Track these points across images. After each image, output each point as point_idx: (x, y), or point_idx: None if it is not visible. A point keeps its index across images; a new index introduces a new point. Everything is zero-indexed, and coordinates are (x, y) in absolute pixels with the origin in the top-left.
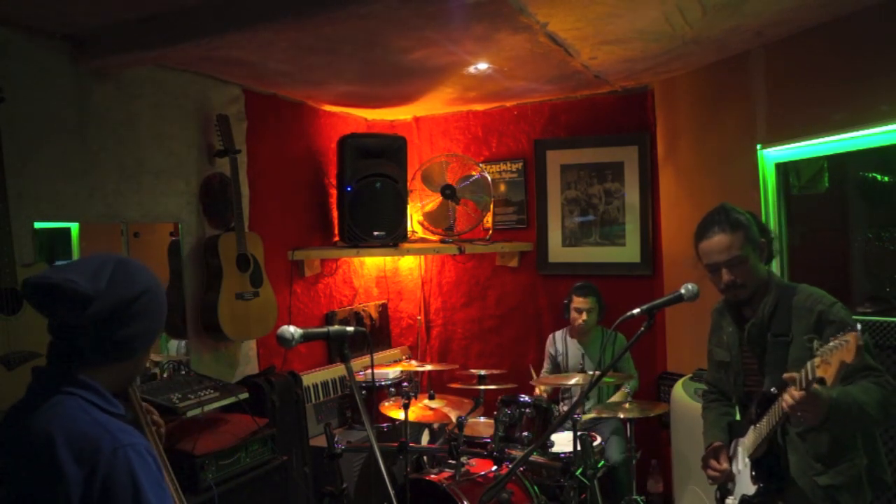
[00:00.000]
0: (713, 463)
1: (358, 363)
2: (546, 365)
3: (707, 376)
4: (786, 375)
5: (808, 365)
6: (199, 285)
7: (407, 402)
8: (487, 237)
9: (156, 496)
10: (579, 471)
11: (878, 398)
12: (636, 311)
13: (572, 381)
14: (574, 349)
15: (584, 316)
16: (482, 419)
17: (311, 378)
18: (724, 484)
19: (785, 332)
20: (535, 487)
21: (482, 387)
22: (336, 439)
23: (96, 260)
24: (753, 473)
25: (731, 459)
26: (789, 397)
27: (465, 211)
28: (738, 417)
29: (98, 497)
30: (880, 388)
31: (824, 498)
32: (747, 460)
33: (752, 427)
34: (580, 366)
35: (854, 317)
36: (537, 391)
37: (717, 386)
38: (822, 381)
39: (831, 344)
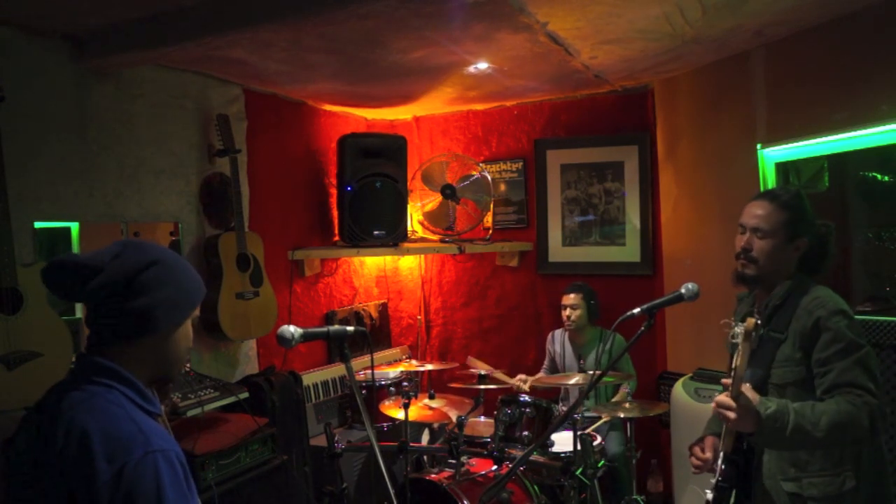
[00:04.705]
0: (696, 451)
1: (358, 363)
2: (546, 363)
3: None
4: (723, 381)
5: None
6: None
7: (407, 401)
8: (487, 237)
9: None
10: (579, 470)
11: (835, 420)
12: (636, 310)
13: (572, 381)
14: (571, 349)
15: (570, 312)
16: (482, 419)
17: (311, 378)
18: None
19: (782, 329)
20: (535, 487)
21: (482, 386)
22: (336, 439)
23: (113, 243)
24: (722, 467)
25: (716, 451)
26: (717, 402)
27: (465, 211)
28: None
29: (122, 499)
30: (848, 407)
31: None
32: (721, 454)
33: None
34: (579, 366)
35: (855, 316)
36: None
37: None
38: (735, 370)
39: (738, 329)
